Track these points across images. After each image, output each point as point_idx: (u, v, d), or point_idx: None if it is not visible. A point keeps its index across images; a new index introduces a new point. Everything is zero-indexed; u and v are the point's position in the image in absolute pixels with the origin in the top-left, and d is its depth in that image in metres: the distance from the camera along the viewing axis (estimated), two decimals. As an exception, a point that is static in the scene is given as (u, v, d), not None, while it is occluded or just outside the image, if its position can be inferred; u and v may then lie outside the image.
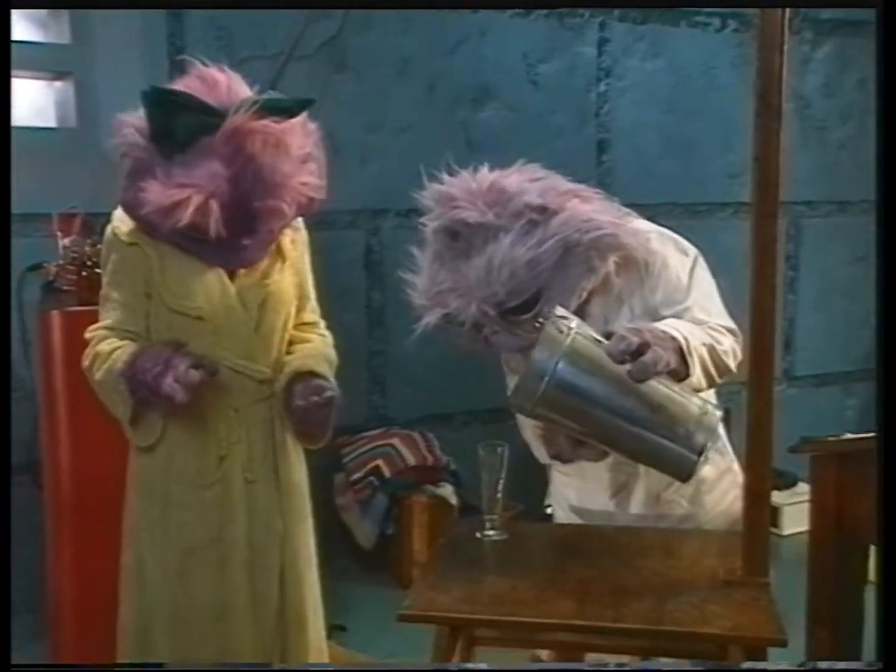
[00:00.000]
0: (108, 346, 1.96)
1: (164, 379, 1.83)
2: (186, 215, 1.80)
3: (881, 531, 1.35)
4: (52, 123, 3.50)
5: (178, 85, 1.90)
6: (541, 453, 1.83)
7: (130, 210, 1.93)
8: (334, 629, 3.13)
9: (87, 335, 2.01)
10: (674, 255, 1.82)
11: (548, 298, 1.71)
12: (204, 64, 1.91)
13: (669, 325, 1.63)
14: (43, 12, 3.38)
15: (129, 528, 2.07)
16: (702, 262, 1.85)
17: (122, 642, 2.07)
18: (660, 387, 1.55)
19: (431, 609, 1.55)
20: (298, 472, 2.12)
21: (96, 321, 2.71)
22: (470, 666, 1.59)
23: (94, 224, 2.92)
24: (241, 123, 1.81)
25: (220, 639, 2.01)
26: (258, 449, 2.03)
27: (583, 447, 1.69)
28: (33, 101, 3.48)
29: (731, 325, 1.75)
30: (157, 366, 1.85)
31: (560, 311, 1.60)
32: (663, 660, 1.66)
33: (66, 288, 2.78)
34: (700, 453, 1.55)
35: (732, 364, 1.71)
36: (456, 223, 1.70)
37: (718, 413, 1.59)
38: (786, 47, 1.45)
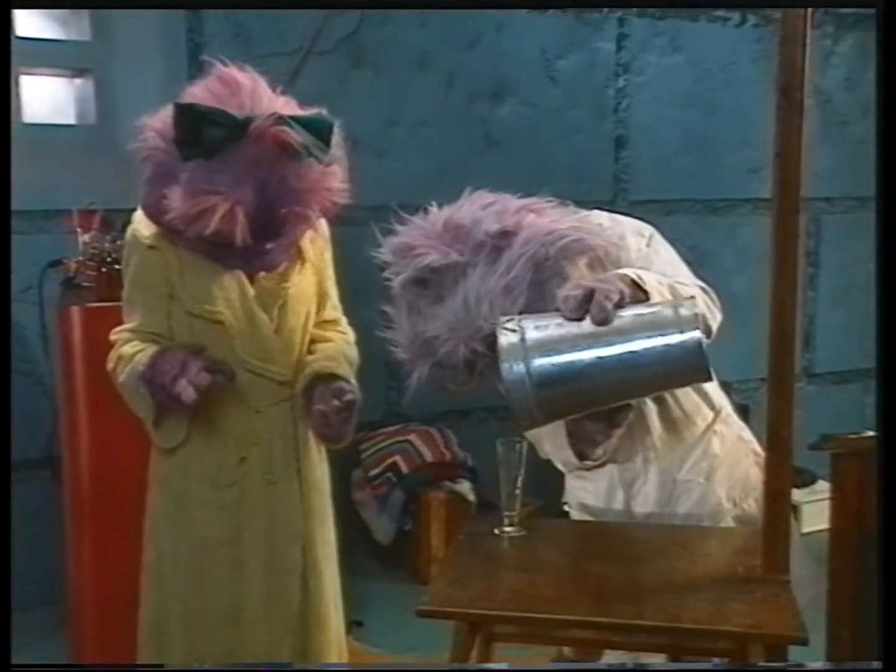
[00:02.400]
0: (131, 349, 1.96)
1: (179, 381, 1.83)
2: (213, 223, 1.79)
3: (881, 531, 1.34)
4: (71, 120, 3.52)
5: (200, 86, 1.88)
6: (568, 460, 1.81)
7: (152, 215, 1.92)
8: (352, 625, 3.14)
9: (112, 337, 2.01)
10: (631, 237, 1.79)
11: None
12: (224, 64, 1.90)
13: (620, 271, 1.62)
14: (64, 10, 3.39)
15: (149, 525, 2.07)
16: (658, 237, 1.81)
17: (140, 638, 2.08)
18: (628, 317, 1.51)
19: (450, 605, 1.55)
20: (320, 471, 2.12)
21: (116, 317, 2.71)
22: (485, 666, 1.59)
23: (114, 220, 2.94)
24: (266, 130, 1.80)
25: (235, 639, 2.01)
26: (278, 450, 2.02)
27: (614, 422, 1.66)
28: (53, 98, 3.50)
29: (700, 283, 1.73)
30: (174, 368, 1.85)
31: (501, 319, 1.57)
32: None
33: (85, 284, 2.79)
34: (700, 345, 1.48)
35: (705, 310, 1.66)
36: (421, 271, 1.67)
37: (694, 301, 1.53)
38: (808, 41, 1.44)
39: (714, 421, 1.88)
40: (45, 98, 3.47)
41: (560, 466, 1.88)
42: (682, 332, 1.48)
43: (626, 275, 1.56)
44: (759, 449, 1.92)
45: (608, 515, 1.92)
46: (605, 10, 4.04)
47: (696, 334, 1.47)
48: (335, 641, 2.14)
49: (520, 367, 1.50)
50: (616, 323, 1.50)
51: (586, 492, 1.96)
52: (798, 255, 1.51)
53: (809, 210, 4.28)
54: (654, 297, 1.56)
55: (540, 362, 1.50)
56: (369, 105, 3.64)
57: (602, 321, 1.49)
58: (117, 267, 2.75)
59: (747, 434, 1.94)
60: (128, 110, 3.39)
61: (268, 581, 2.01)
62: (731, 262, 4.15)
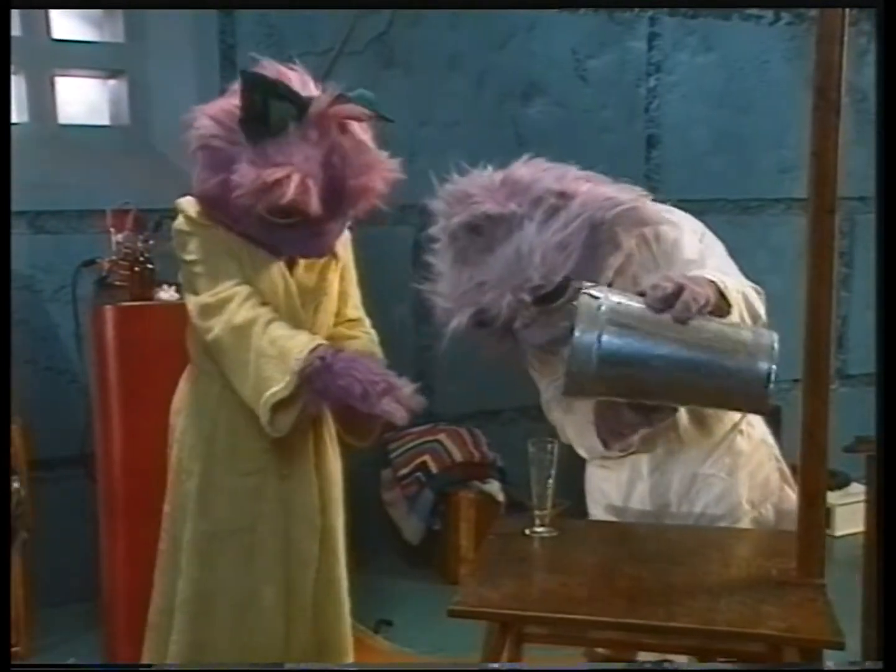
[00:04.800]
0: (267, 311, 1.91)
1: (384, 398, 1.83)
2: (289, 192, 1.77)
3: (881, 532, 1.33)
4: (105, 121, 3.55)
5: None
6: (591, 446, 1.79)
7: (212, 199, 1.90)
8: (381, 624, 3.15)
9: (213, 299, 1.92)
10: (686, 229, 1.81)
11: (579, 282, 1.71)
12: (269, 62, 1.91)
13: (702, 272, 1.62)
14: (98, 12, 3.43)
15: (167, 512, 2.10)
16: (709, 233, 1.83)
17: (150, 622, 2.12)
18: (708, 325, 1.50)
19: (482, 605, 1.55)
20: (336, 465, 2.15)
21: (148, 316, 2.76)
22: (507, 666, 1.59)
23: (147, 220, 2.96)
24: (327, 108, 1.83)
25: (247, 628, 2.03)
26: (298, 444, 2.04)
27: (651, 420, 1.65)
28: (88, 100, 3.53)
29: (753, 285, 1.73)
30: (378, 383, 1.84)
31: (587, 284, 1.57)
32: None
33: (118, 283, 2.81)
34: (768, 378, 1.46)
35: (762, 313, 1.68)
36: (477, 217, 1.68)
37: (774, 335, 1.50)
38: (845, 40, 1.42)
39: (741, 420, 1.88)
40: (79, 99, 3.51)
41: (582, 453, 1.87)
42: (757, 359, 1.46)
43: (713, 281, 1.55)
44: (779, 455, 1.93)
45: (627, 509, 1.91)
46: (636, 9, 4.02)
47: (767, 366, 1.46)
48: (346, 634, 2.17)
49: (592, 336, 1.48)
50: (694, 326, 1.49)
51: (608, 482, 1.96)
52: (834, 255, 1.50)
53: (843, 210, 4.21)
54: (735, 312, 1.56)
55: (611, 338, 1.48)
56: (400, 105, 3.64)
57: (683, 320, 1.48)
58: (150, 266, 2.79)
59: (770, 439, 1.94)
60: (161, 111, 3.44)
61: (285, 572, 2.04)
62: (764, 262, 4.10)
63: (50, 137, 3.36)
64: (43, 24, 3.32)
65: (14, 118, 3.11)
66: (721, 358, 1.48)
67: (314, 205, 1.81)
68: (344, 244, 2.10)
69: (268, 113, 1.80)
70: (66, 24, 3.40)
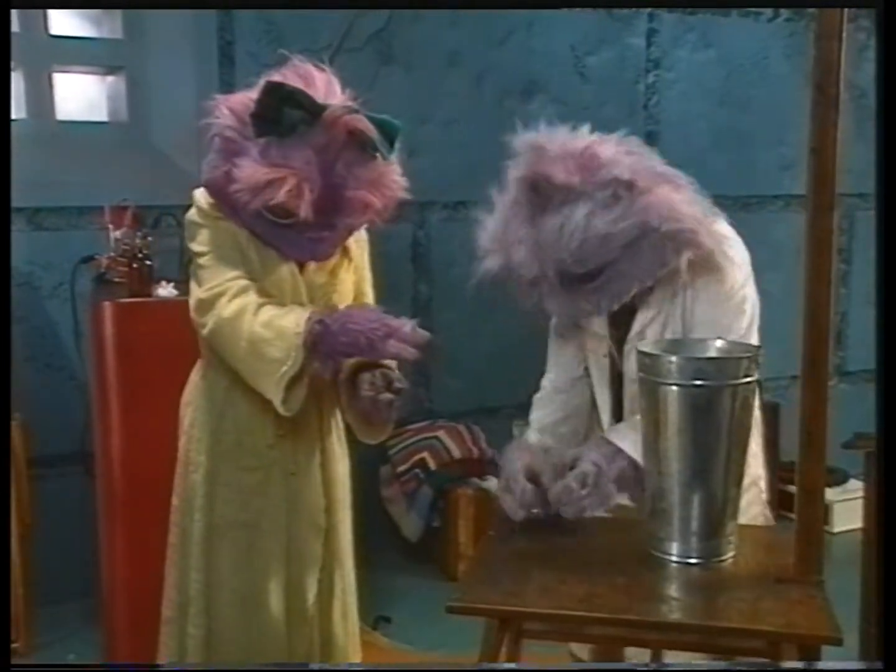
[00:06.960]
0: (256, 298, 1.91)
1: (388, 341, 1.83)
2: (280, 194, 1.79)
3: (881, 531, 1.33)
4: (103, 117, 3.55)
5: (277, 77, 1.89)
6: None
7: (217, 188, 1.92)
8: (380, 620, 3.15)
9: (206, 294, 1.93)
10: (740, 263, 1.84)
11: (611, 275, 1.71)
12: (301, 61, 1.91)
13: None
14: (97, 9, 3.42)
15: (175, 505, 2.10)
16: (751, 285, 1.89)
17: (164, 617, 2.12)
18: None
19: (481, 601, 1.55)
20: (343, 465, 2.15)
21: (147, 312, 2.75)
22: (506, 666, 1.59)
23: (145, 216, 2.96)
24: (339, 118, 1.82)
25: (249, 626, 2.03)
26: (303, 442, 2.04)
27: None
28: (86, 96, 3.53)
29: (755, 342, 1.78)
30: (378, 329, 1.84)
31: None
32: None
33: (117, 280, 2.81)
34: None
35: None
36: (539, 176, 1.67)
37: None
38: (844, 36, 1.42)
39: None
40: (77, 96, 3.50)
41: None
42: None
43: None
44: (767, 500, 1.95)
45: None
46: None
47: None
48: (353, 636, 2.17)
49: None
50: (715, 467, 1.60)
51: None
52: (833, 251, 1.50)
53: (843, 206, 4.23)
54: None
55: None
56: (400, 103, 3.63)
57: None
58: (148, 263, 2.79)
59: (763, 483, 1.94)
60: (159, 107, 3.44)
61: (287, 571, 2.04)
62: (763, 258, 4.09)
63: (48, 134, 3.36)
64: (41, 21, 3.32)
65: (12, 115, 3.10)
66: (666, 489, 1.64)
67: (305, 210, 1.81)
68: (359, 244, 2.10)
69: (281, 118, 1.81)
70: (64, 21, 3.39)
